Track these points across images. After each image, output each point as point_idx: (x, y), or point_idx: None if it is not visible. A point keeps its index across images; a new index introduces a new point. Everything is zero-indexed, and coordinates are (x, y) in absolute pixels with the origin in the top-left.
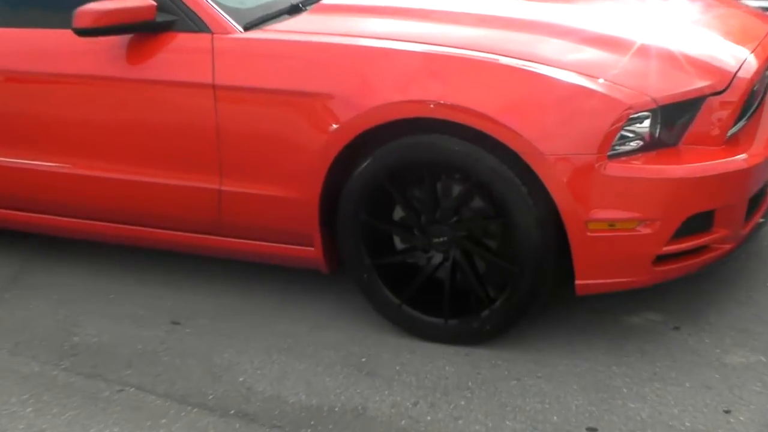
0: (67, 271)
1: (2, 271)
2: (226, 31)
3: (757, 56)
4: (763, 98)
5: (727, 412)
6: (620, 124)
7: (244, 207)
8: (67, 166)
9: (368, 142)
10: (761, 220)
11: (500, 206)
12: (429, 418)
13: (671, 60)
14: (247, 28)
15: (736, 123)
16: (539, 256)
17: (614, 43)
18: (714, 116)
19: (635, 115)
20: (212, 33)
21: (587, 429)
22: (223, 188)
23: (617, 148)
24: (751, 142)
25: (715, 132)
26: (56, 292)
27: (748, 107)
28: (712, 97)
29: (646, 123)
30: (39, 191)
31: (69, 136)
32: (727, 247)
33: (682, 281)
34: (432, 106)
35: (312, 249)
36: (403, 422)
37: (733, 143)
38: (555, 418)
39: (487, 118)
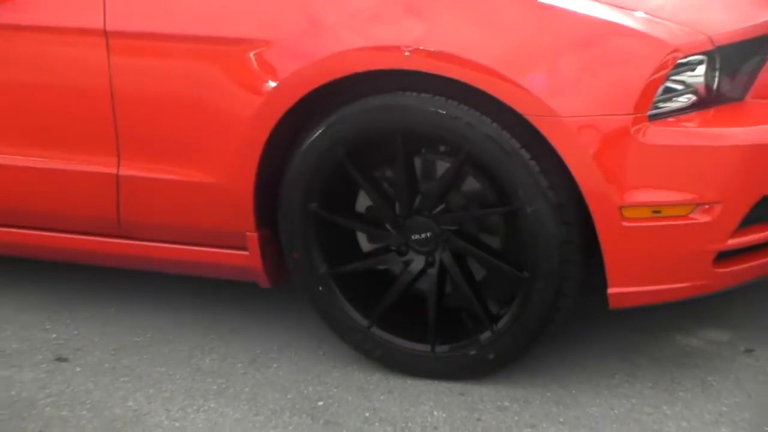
0: None
1: None
2: None
3: None
4: None
5: None
6: (665, 72)
7: (151, 198)
8: None
9: (319, 106)
10: None
11: (503, 190)
12: None
13: None
14: None
15: None
16: (558, 258)
17: None
18: None
19: (685, 60)
20: None
21: None
22: (122, 173)
23: (661, 105)
24: None
25: None
26: None
27: None
28: None
29: (700, 70)
30: None
31: None
32: None
33: (751, 289)
34: (407, 53)
35: (246, 254)
36: None
37: None
38: None
39: (483, 69)
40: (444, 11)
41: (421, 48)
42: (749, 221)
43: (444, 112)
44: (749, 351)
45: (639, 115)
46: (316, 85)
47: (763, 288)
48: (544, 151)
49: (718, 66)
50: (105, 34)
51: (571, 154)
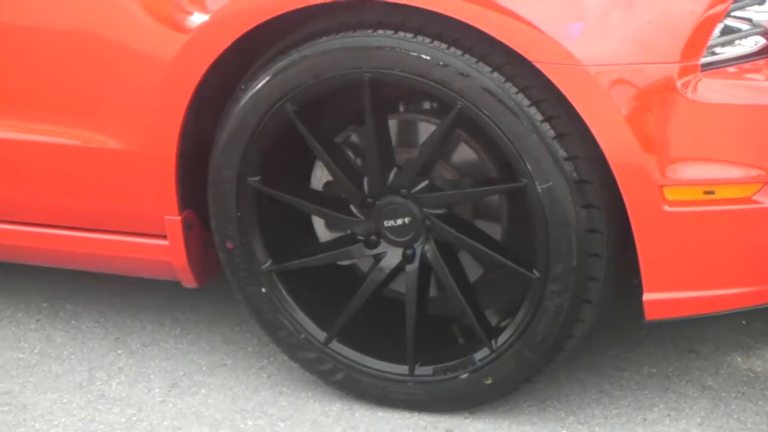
0: None
1: None
2: None
3: None
4: None
5: None
6: (724, 6)
7: (37, 169)
8: None
9: (263, 49)
10: None
11: (506, 162)
12: None
13: None
14: None
15: None
16: (578, 252)
17: None
18: None
19: None
20: None
21: None
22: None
23: (718, 50)
24: None
25: None
26: None
27: None
28: None
29: None
30: None
31: None
32: None
33: None
34: None
35: (165, 244)
36: None
37: None
38: None
39: (488, 2)
40: None
41: None
42: None
43: (428, 58)
44: None
45: (688, 63)
46: (261, 20)
47: None
48: (561, 111)
49: None
50: None
51: (596, 114)
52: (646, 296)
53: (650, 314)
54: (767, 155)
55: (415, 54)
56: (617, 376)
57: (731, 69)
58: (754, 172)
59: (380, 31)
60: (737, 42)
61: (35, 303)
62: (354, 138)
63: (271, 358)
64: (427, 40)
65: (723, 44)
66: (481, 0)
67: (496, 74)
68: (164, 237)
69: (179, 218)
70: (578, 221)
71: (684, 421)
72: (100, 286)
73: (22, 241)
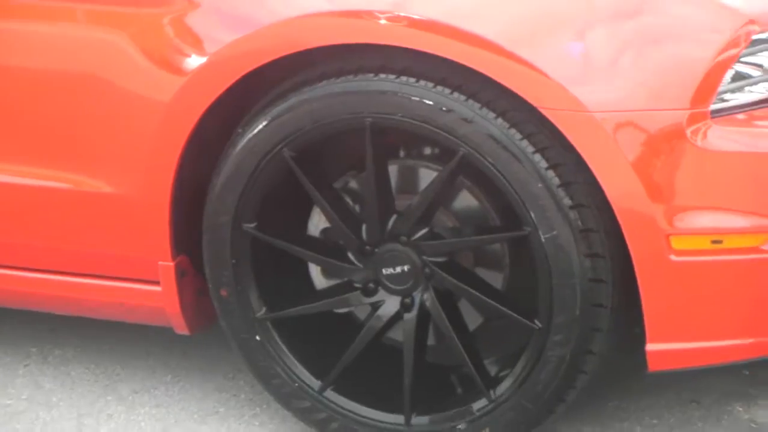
0: None
1: None
2: None
3: None
4: None
5: None
6: (736, 51)
7: (29, 213)
8: None
9: (261, 93)
10: None
11: (509, 209)
12: None
13: None
14: None
15: None
16: (582, 302)
17: None
18: None
19: (764, 36)
20: None
21: None
22: None
23: (728, 97)
24: None
25: None
26: None
27: None
28: None
29: None
30: None
31: None
32: None
33: None
34: (382, 21)
35: (158, 290)
36: None
37: None
38: None
39: (485, 44)
40: None
41: (401, 14)
42: None
43: (431, 103)
44: None
45: (698, 110)
46: (259, 63)
47: None
48: (567, 158)
49: None
50: None
51: (603, 162)
52: (650, 347)
53: (653, 365)
54: None
55: (418, 99)
56: (618, 427)
57: (741, 116)
58: (763, 222)
59: (382, 75)
60: (748, 89)
61: (24, 348)
62: (352, 184)
63: (264, 406)
64: (430, 84)
65: (733, 90)
66: (486, 44)
67: (500, 120)
68: (157, 283)
69: (172, 264)
70: (582, 271)
71: None
72: (91, 331)
73: (12, 286)
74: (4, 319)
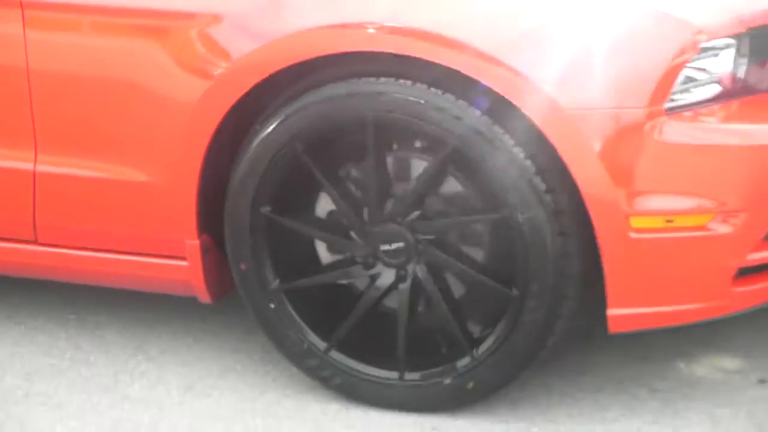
0: None
1: None
2: None
3: None
4: None
5: None
6: (687, 57)
7: (73, 199)
8: None
9: (277, 94)
10: None
11: (491, 194)
12: None
13: None
14: None
15: None
16: (553, 273)
17: None
18: None
19: (710, 44)
20: None
21: None
22: (39, 168)
23: (678, 97)
24: None
25: None
26: None
27: None
28: None
29: (727, 56)
30: None
31: None
32: None
33: (763, 312)
34: (372, 31)
35: (185, 265)
36: None
37: None
38: None
39: (469, 50)
40: None
41: (389, 24)
42: None
43: (425, 102)
44: (762, 381)
45: (655, 108)
46: (274, 70)
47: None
48: (542, 150)
49: (747, 51)
50: (20, 4)
51: (573, 152)
52: (611, 311)
53: (613, 327)
54: (718, 189)
55: (414, 99)
56: (579, 380)
57: (688, 113)
58: (707, 204)
59: (382, 79)
60: (695, 89)
61: (64, 315)
62: (354, 172)
63: (276, 364)
64: (424, 86)
65: (683, 91)
66: (471, 51)
67: (485, 117)
68: (184, 259)
69: (198, 242)
70: (554, 247)
71: (637, 419)
72: (121, 299)
73: (66, 263)
74: (44, 291)
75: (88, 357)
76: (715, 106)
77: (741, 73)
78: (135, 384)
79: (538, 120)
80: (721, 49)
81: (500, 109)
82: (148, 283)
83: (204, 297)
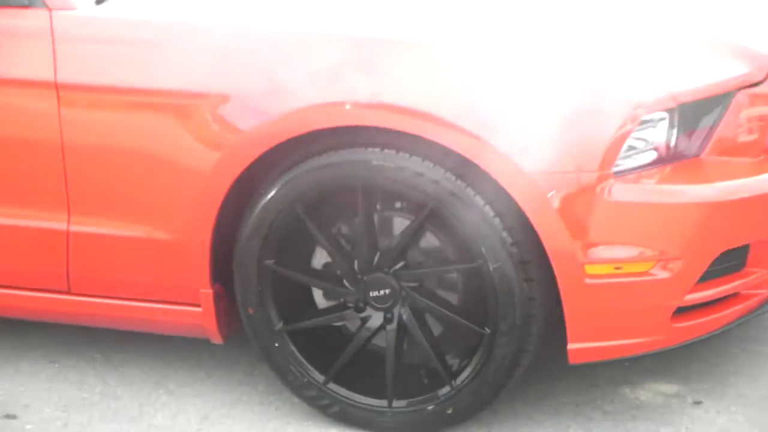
0: None
1: None
2: (70, 5)
3: None
4: None
5: None
6: (630, 129)
7: (102, 255)
8: None
9: (278, 162)
10: None
11: (466, 247)
12: None
13: (692, 44)
14: (99, 1)
15: None
16: (520, 314)
17: (618, 23)
18: (749, 116)
19: (648, 117)
20: (50, 9)
21: None
22: (72, 228)
23: (622, 162)
24: None
25: (751, 137)
26: None
27: None
28: (746, 91)
29: (662, 127)
30: None
31: None
32: (765, 293)
33: (697, 343)
34: (348, 107)
35: (199, 311)
36: None
37: None
38: None
39: (446, 123)
40: (398, 67)
41: (368, 102)
42: (708, 277)
43: (408, 168)
44: (697, 403)
45: (604, 172)
46: (277, 142)
47: (705, 340)
48: (509, 207)
49: (677, 123)
50: (56, 85)
51: (535, 210)
52: (570, 345)
53: (573, 359)
54: (658, 240)
55: (396, 166)
56: (540, 404)
57: (631, 175)
58: (649, 252)
59: (369, 149)
60: (636, 155)
61: (91, 354)
62: (345, 229)
63: (279, 395)
64: (406, 155)
65: (626, 157)
66: (445, 124)
67: (459, 181)
68: (198, 305)
69: (211, 291)
70: (520, 291)
71: None
72: (141, 339)
73: (93, 310)
74: (74, 333)
75: (115, 391)
76: (653, 170)
77: (673, 141)
78: (158, 414)
79: (504, 183)
80: (657, 121)
81: (472, 173)
82: (166, 327)
83: (216, 339)
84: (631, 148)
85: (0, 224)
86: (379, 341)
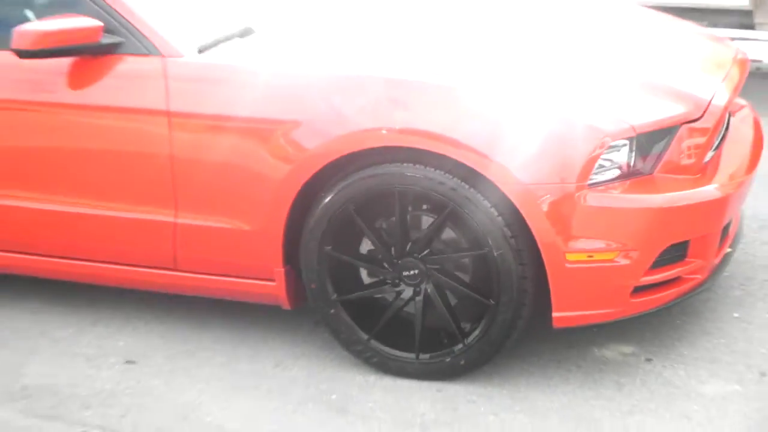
0: (5, 312)
1: None
2: (179, 53)
3: (727, 84)
4: (727, 128)
5: None
6: (600, 152)
7: (201, 241)
8: (7, 197)
9: (336, 172)
10: (729, 249)
11: (476, 238)
12: None
13: (646, 87)
14: (201, 51)
15: (710, 151)
16: (516, 289)
17: (591, 70)
18: (689, 144)
19: (614, 143)
20: (163, 56)
21: None
22: (179, 221)
23: (594, 177)
24: (716, 172)
25: (690, 160)
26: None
27: (719, 137)
28: (687, 125)
29: (624, 151)
30: None
31: (7, 165)
32: (700, 277)
33: (649, 313)
34: (384, 132)
35: (274, 284)
36: None
37: (706, 172)
38: None
39: (461, 145)
40: (424, 102)
41: (406, 128)
42: (658, 264)
43: (434, 178)
44: (649, 360)
45: (581, 183)
46: (335, 157)
47: (655, 313)
48: (508, 208)
49: (635, 148)
50: (168, 114)
51: (529, 211)
52: (555, 314)
53: (556, 324)
54: (620, 235)
55: (426, 177)
56: (530, 360)
57: (601, 187)
58: (614, 245)
59: (405, 164)
60: (604, 172)
61: (191, 320)
62: (384, 224)
63: (334, 350)
64: (432, 169)
65: (597, 173)
66: (460, 146)
67: (471, 189)
68: (273, 280)
69: (283, 270)
70: (516, 272)
71: (571, 386)
72: (228, 310)
73: (193, 283)
74: (178, 303)
75: (208, 345)
76: (617, 183)
77: (632, 162)
78: (241, 363)
79: (506, 190)
80: (620, 147)
81: (481, 183)
82: (249, 296)
83: (286, 305)
84: (600, 166)
85: (124, 217)
86: (409, 309)
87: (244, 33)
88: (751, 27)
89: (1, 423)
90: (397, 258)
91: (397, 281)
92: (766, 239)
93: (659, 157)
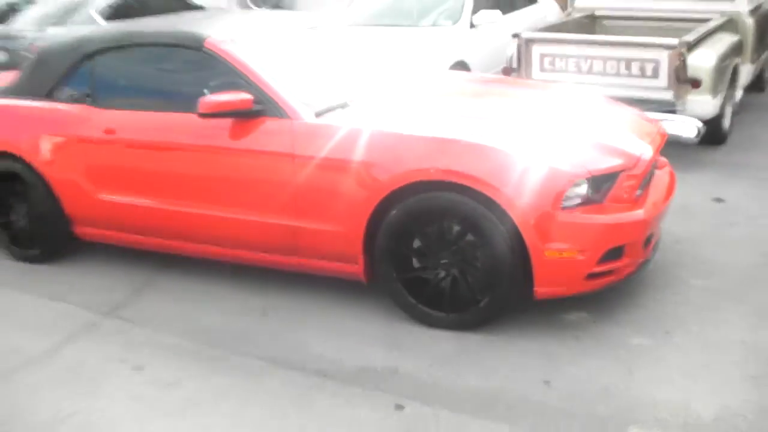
0: (184, 278)
1: (136, 278)
2: (302, 117)
3: (651, 146)
4: (652, 174)
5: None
6: (567, 187)
7: (312, 237)
8: (189, 207)
9: (399, 197)
10: (652, 253)
11: (486, 239)
12: (440, 373)
13: (599, 146)
14: (317, 116)
15: (639, 189)
16: (511, 273)
17: (559, 133)
18: (626, 184)
19: (577, 182)
20: (291, 119)
21: (544, 382)
22: (297, 224)
23: (564, 203)
24: (644, 202)
25: (626, 194)
26: (179, 290)
27: (646, 180)
28: (625, 172)
29: (584, 187)
30: (171, 224)
31: (190, 186)
32: (630, 269)
33: (598, 291)
34: (432, 170)
35: (357, 266)
36: (424, 376)
37: (637, 202)
38: (516, 373)
39: (480, 181)
40: (460, 153)
41: (443, 168)
42: (602, 260)
43: (460, 200)
44: (595, 321)
45: (555, 207)
46: (398, 186)
47: (603, 289)
48: (508, 221)
49: (591, 185)
50: (293, 156)
51: (521, 223)
52: (537, 288)
53: (537, 296)
54: (580, 241)
55: (454, 200)
56: (524, 327)
57: (568, 210)
58: (576, 247)
59: (444, 192)
60: (570, 200)
61: (288, 296)
62: (429, 230)
63: (396, 313)
64: (461, 195)
65: (566, 201)
66: (475, 180)
67: (486, 210)
68: (356, 263)
69: (362, 257)
70: (511, 261)
71: (543, 341)
72: (322, 287)
73: (310, 264)
74: (287, 284)
75: (316, 304)
76: (579, 208)
77: (589, 194)
78: (331, 316)
79: (508, 210)
80: (581, 184)
81: (493, 205)
82: (340, 274)
83: (365, 280)
84: (568, 197)
85: (262, 221)
86: (444, 285)
87: (343, 105)
88: (674, 111)
89: (190, 353)
90: (436, 251)
91: (436, 266)
92: (677, 248)
93: (607, 191)
